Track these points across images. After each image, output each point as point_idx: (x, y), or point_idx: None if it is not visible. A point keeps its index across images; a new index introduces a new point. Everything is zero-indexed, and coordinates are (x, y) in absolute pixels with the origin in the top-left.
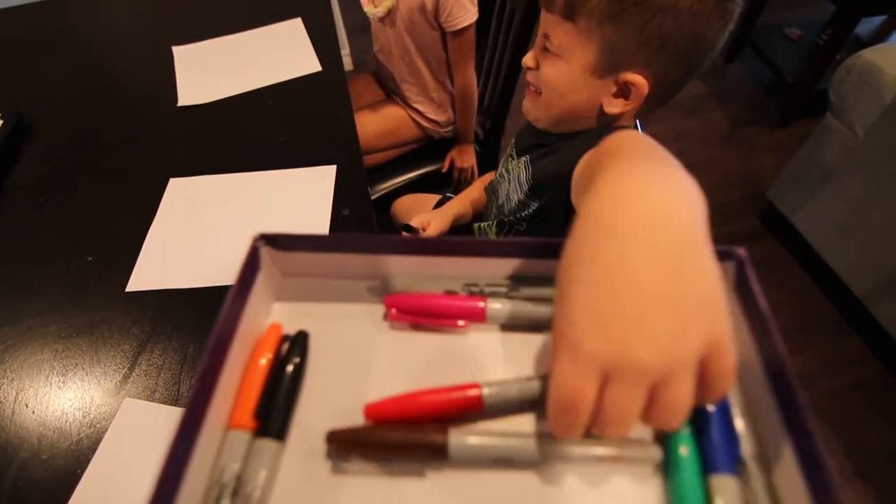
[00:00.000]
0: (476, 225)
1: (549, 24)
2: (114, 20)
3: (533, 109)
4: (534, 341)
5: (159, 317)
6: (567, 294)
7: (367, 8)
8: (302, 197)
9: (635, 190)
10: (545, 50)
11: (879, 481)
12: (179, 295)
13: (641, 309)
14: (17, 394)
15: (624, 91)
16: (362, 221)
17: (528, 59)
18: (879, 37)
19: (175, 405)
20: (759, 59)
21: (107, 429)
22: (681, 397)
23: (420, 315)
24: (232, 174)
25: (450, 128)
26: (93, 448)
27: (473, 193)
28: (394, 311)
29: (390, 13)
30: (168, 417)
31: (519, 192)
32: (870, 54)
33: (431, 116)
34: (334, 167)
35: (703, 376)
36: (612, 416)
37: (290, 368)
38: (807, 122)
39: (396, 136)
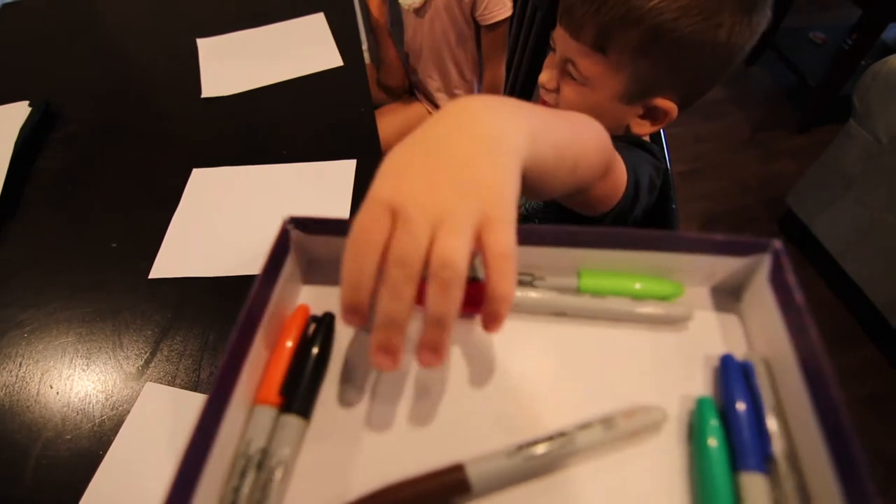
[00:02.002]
0: None
1: (575, 52)
2: (140, 12)
3: None
4: (553, 328)
5: (181, 304)
6: (384, 162)
7: None
8: (321, 190)
9: (477, 106)
10: (567, 73)
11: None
12: (201, 283)
13: (429, 171)
14: (42, 375)
15: (652, 113)
16: None
17: (546, 80)
18: None
19: (195, 391)
20: (781, 63)
21: (129, 412)
22: (453, 249)
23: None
24: (253, 166)
25: None
26: (115, 430)
27: None
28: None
29: (425, 4)
30: (189, 403)
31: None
32: None
33: None
34: (354, 161)
35: (483, 256)
36: (396, 257)
37: (315, 348)
38: (829, 127)
39: None
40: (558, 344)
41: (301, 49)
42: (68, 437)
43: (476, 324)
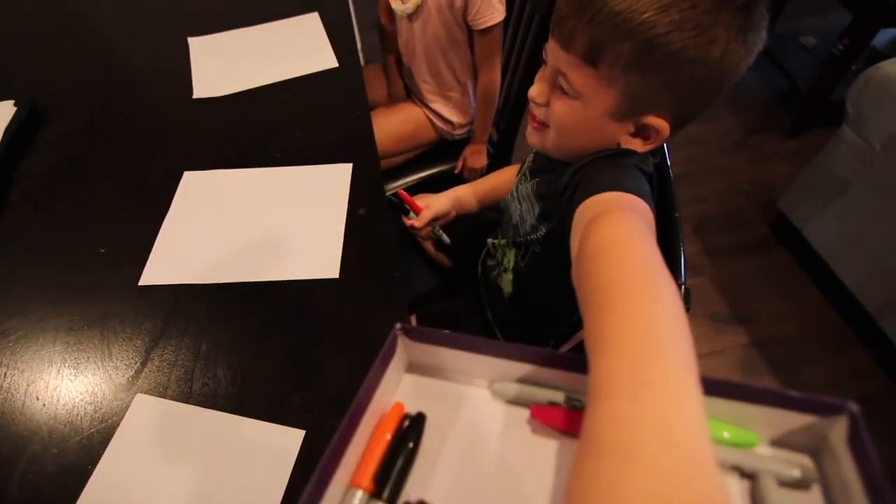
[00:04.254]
0: (490, 241)
1: (565, 64)
2: (130, 9)
3: (539, 142)
4: None
5: (172, 312)
6: None
7: (395, 5)
8: (317, 194)
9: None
10: (558, 87)
11: None
12: (193, 290)
13: None
14: (27, 386)
15: (643, 131)
16: (378, 221)
17: (536, 94)
18: None
19: (187, 402)
20: (772, 67)
21: (118, 424)
22: None
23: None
24: (246, 169)
25: (463, 130)
26: (104, 443)
27: (481, 185)
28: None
29: (418, 10)
30: (180, 415)
31: (531, 217)
32: (889, 66)
33: (446, 116)
34: (350, 165)
35: None
36: None
37: (407, 444)
38: (820, 132)
39: (412, 140)
40: None
41: (296, 49)
42: (55, 450)
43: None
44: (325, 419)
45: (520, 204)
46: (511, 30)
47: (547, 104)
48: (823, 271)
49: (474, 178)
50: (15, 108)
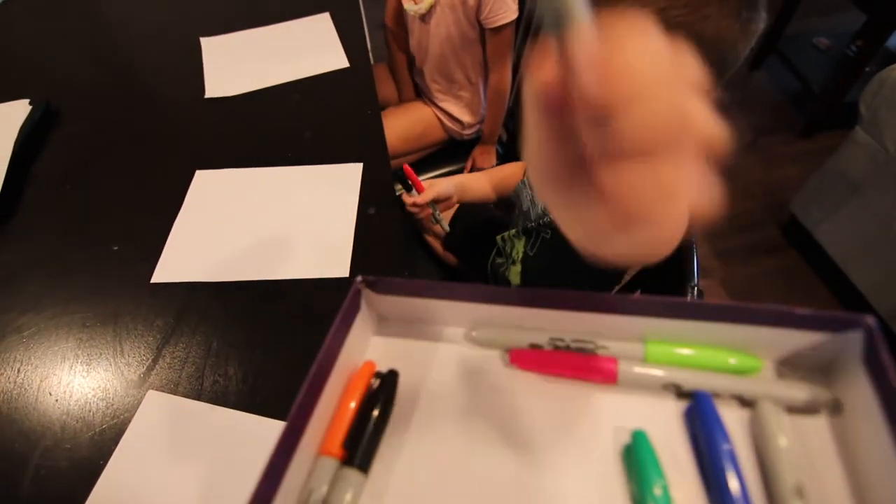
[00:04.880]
0: (500, 237)
1: None
2: (144, 10)
3: None
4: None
5: (184, 309)
6: None
7: (408, 5)
8: (328, 194)
9: None
10: None
11: None
12: (204, 288)
13: None
14: (40, 381)
15: None
16: (388, 221)
17: None
18: None
19: (198, 399)
20: (784, 68)
21: (130, 420)
22: None
23: (545, 369)
24: (257, 168)
25: (472, 130)
26: (115, 439)
27: (496, 173)
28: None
29: (431, 10)
30: (191, 412)
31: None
32: None
33: (456, 116)
34: (360, 165)
35: None
36: None
37: (378, 405)
38: (832, 133)
39: (421, 140)
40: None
41: (307, 49)
42: (67, 445)
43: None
44: None
45: (530, 189)
46: (522, 29)
47: None
48: (835, 274)
49: None
50: (30, 108)
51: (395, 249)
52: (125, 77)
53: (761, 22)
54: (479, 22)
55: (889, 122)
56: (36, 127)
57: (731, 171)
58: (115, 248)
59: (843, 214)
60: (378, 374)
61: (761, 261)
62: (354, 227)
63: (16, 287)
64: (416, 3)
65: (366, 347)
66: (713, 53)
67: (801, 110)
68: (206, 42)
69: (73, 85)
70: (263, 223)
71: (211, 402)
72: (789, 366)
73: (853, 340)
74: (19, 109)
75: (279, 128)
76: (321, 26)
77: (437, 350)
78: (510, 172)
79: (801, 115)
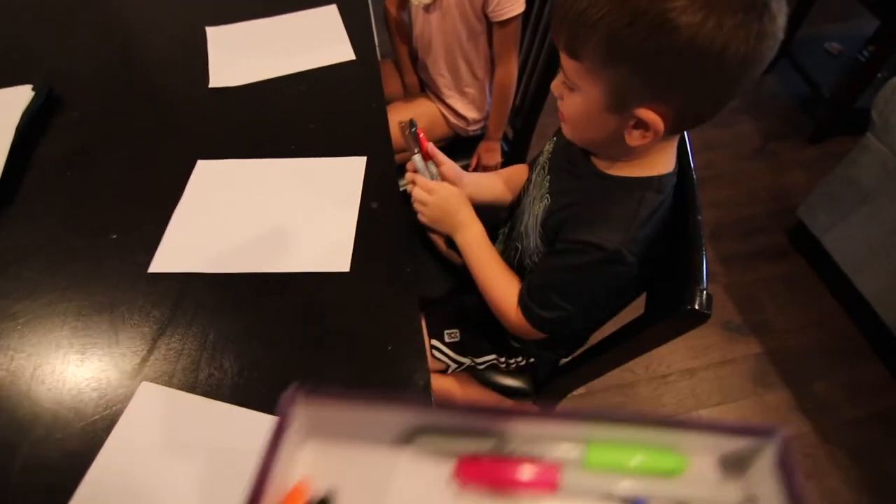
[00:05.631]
0: (501, 231)
1: (563, 59)
2: None
3: (566, 133)
4: None
5: (181, 300)
6: None
7: None
8: (330, 187)
9: None
10: (564, 81)
11: None
12: (202, 279)
13: None
14: (34, 370)
15: (641, 124)
16: (391, 215)
17: (554, 87)
18: None
19: (192, 392)
20: (795, 73)
21: (122, 411)
22: None
23: (490, 480)
24: (260, 159)
25: (477, 126)
26: (107, 430)
27: (506, 172)
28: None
29: (436, 2)
30: (185, 404)
31: (535, 233)
32: None
33: (461, 112)
34: (364, 158)
35: None
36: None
37: None
38: (841, 139)
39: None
40: None
41: (313, 41)
42: (59, 436)
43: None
44: None
45: (532, 205)
46: (531, 26)
47: (562, 97)
48: (841, 282)
49: None
50: (33, 93)
51: (396, 245)
52: (129, 65)
53: (771, 27)
54: (485, 15)
55: None
56: (38, 113)
57: (738, 175)
58: (114, 236)
59: (851, 222)
60: (310, 502)
61: (765, 267)
62: (356, 222)
63: (13, 273)
64: None
65: (300, 460)
66: (710, 64)
67: (811, 115)
68: (211, 31)
69: (77, 72)
70: (264, 215)
71: (205, 395)
72: (720, 466)
73: (771, 447)
74: (22, 95)
75: (283, 119)
76: (328, 18)
77: (377, 460)
78: (517, 171)
79: (810, 120)
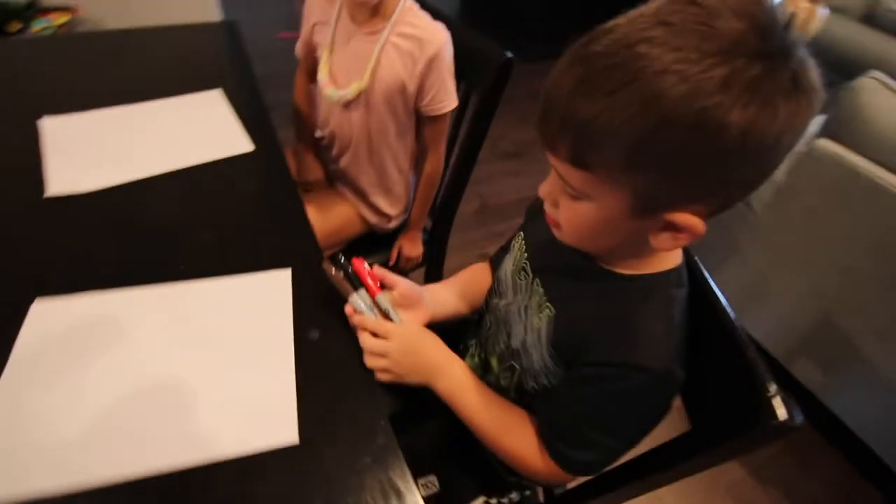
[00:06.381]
0: (471, 343)
1: (562, 169)
2: None
3: (563, 238)
4: None
5: None
6: None
7: (329, 90)
8: (245, 318)
9: None
10: (564, 187)
11: None
12: None
13: None
14: None
15: (672, 226)
16: (339, 346)
17: (544, 193)
18: None
19: None
20: None
21: None
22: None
23: None
24: (130, 289)
25: (398, 221)
26: None
27: (458, 282)
28: None
29: (359, 97)
30: None
31: (541, 349)
32: None
33: (386, 210)
34: (288, 271)
35: None
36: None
37: None
38: None
39: (336, 236)
40: None
41: (195, 131)
42: None
43: None
44: None
45: (525, 316)
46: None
47: (556, 205)
48: (730, 323)
49: (411, 269)
50: None
51: (357, 386)
52: None
53: (807, 99)
54: (416, 110)
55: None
56: None
57: None
58: None
59: (725, 271)
60: None
61: None
62: (294, 364)
63: None
64: (338, 88)
65: None
66: (749, 153)
67: None
68: (48, 123)
69: None
70: (149, 377)
71: None
72: None
73: None
74: None
75: (162, 232)
76: (212, 104)
77: None
78: (473, 277)
79: None
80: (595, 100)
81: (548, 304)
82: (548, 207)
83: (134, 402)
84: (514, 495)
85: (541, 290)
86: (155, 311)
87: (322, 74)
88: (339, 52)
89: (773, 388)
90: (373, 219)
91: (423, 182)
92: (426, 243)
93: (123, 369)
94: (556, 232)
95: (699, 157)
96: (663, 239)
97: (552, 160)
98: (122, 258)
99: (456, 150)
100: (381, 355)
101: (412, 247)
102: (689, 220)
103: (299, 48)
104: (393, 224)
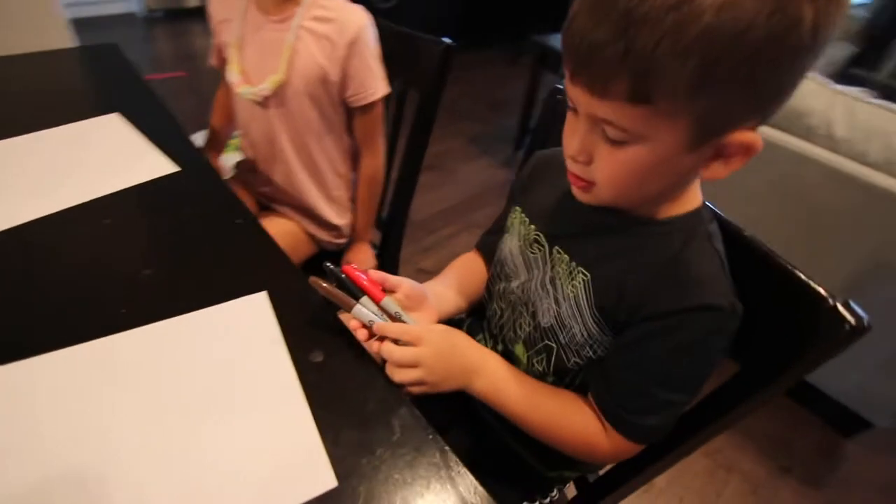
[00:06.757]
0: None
1: (608, 111)
2: None
3: (592, 200)
4: None
5: None
6: None
7: (243, 89)
8: (226, 352)
9: None
10: (602, 137)
11: None
12: None
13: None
14: None
15: (724, 151)
16: (349, 361)
17: (575, 151)
18: None
19: None
20: None
21: None
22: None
23: None
24: (71, 349)
25: (350, 232)
26: None
27: (452, 277)
28: None
29: (277, 93)
30: None
31: (582, 318)
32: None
33: (333, 220)
34: (263, 294)
35: None
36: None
37: None
38: None
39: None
40: None
41: (106, 156)
42: None
43: None
44: None
45: (554, 287)
46: (393, 103)
47: (590, 161)
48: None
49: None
50: None
51: (382, 403)
52: None
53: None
54: (343, 101)
55: None
56: None
57: None
58: None
59: None
60: None
61: None
62: (305, 396)
63: None
64: (252, 86)
65: None
66: (809, 47)
67: None
68: None
69: None
70: (134, 452)
71: None
72: None
73: None
74: None
75: (89, 271)
76: (113, 128)
77: None
78: (466, 268)
79: None
80: (655, 22)
81: (580, 269)
82: (577, 168)
83: (129, 485)
84: (555, 494)
85: (566, 257)
86: (111, 368)
87: (233, 74)
88: (249, 47)
89: (832, 299)
90: (321, 234)
91: (361, 185)
92: (378, 255)
93: (107, 446)
94: (582, 195)
95: (773, 62)
96: (714, 168)
97: (594, 106)
98: (40, 310)
99: (402, 147)
100: (413, 365)
101: (362, 259)
102: (748, 136)
103: (214, 58)
104: (342, 239)
